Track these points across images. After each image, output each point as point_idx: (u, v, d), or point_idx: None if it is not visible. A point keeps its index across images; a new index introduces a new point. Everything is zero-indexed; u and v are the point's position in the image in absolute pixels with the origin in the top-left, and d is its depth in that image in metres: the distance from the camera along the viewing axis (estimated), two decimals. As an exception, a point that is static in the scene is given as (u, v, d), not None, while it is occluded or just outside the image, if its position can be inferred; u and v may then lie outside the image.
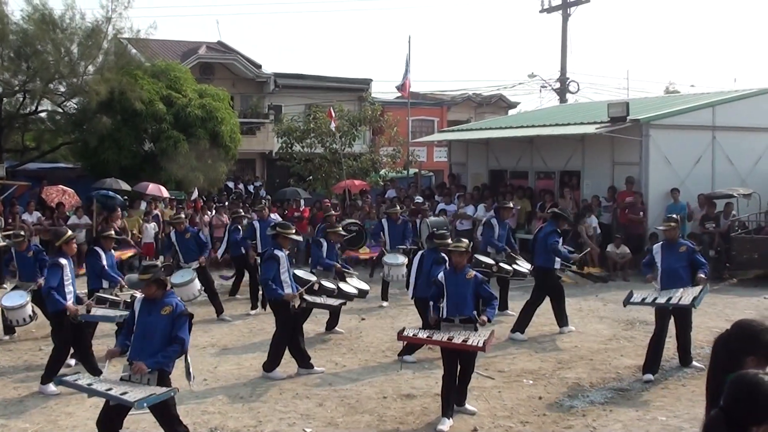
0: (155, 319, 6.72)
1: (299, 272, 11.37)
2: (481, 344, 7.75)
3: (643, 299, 9.56)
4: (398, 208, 15.89)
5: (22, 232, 12.33)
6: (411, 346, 10.06)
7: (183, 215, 15.62)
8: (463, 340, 7.82)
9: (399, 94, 34.71)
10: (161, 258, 17.68)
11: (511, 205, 15.08)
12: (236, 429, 7.75)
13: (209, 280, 13.58)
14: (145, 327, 6.75)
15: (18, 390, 9.13)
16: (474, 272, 8.37)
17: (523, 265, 13.35)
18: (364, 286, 12.34)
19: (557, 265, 11.84)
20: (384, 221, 15.08)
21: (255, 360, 10.30)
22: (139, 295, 7.16)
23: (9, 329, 11.81)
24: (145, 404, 6.10)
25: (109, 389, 6.31)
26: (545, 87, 33.94)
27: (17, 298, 10.92)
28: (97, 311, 9.59)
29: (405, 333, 8.17)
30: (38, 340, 11.64)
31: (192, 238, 13.53)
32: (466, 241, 8.63)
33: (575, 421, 7.91)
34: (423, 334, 8.11)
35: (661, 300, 9.39)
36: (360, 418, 8.04)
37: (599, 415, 8.06)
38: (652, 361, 9.47)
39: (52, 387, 8.88)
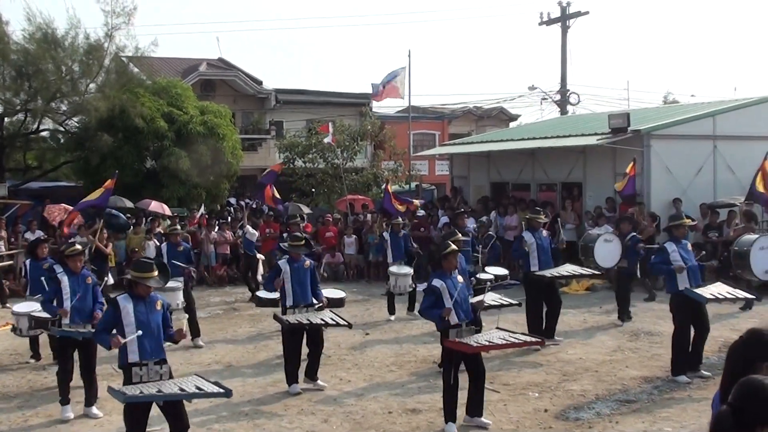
0: (155, 316, 6.94)
1: (328, 291, 11.39)
2: (534, 339, 8.61)
3: (714, 296, 9.75)
4: (400, 220, 15.95)
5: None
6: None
7: (179, 227, 15.47)
8: (488, 341, 8.10)
9: (400, 108, 34.83)
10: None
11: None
12: (241, 446, 7.72)
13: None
14: (148, 326, 6.84)
15: (22, 410, 9.11)
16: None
17: (491, 272, 13.54)
18: (340, 294, 12.31)
19: (534, 268, 11.93)
20: (386, 234, 15.18)
21: (259, 376, 10.28)
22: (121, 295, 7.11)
23: (36, 354, 11.74)
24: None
25: (181, 390, 6.65)
26: (546, 99, 34.02)
27: (31, 305, 10.87)
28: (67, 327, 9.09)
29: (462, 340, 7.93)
30: (41, 360, 11.60)
31: (183, 251, 13.47)
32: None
33: (581, 433, 7.88)
34: (479, 341, 8.05)
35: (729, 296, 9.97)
36: (365, 434, 8.01)
37: (605, 427, 8.03)
38: (684, 361, 9.68)
39: (67, 412, 8.77)
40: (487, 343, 8.06)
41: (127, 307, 6.87)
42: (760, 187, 14.16)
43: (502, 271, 13.98)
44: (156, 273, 6.99)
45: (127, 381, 6.77)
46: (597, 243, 13.39)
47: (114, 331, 6.87)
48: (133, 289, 6.99)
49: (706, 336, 10.01)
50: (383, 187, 17.96)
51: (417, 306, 14.51)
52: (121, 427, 7.93)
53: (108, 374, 10.10)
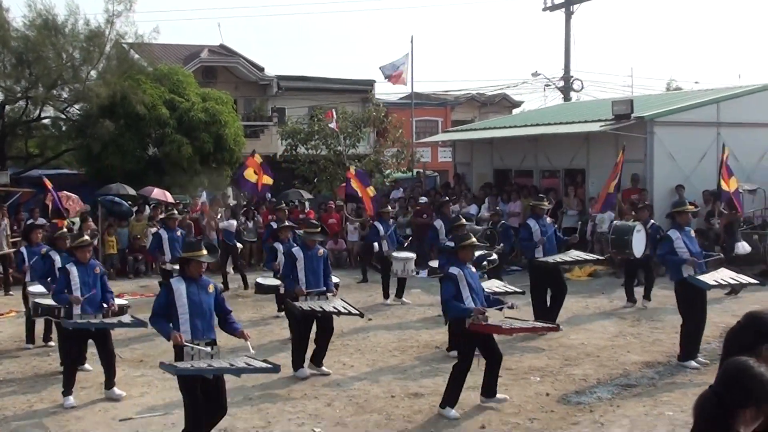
0: (207, 298, 7.12)
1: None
2: (550, 325, 9.02)
3: (717, 282, 9.73)
4: (389, 208, 16.21)
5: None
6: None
7: (176, 212, 15.57)
8: (511, 325, 8.23)
9: (403, 95, 34.78)
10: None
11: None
12: (245, 429, 7.77)
13: None
14: (200, 307, 7.04)
15: (27, 395, 9.15)
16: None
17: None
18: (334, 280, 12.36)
19: (537, 255, 11.95)
20: (377, 223, 15.23)
21: (262, 361, 10.30)
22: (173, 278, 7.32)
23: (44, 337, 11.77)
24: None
25: (231, 365, 6.88)
26: (549, 85, 33.95)
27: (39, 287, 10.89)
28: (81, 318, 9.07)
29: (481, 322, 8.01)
30: (46, 346, 11.65)
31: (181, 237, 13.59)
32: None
33: (582, 417, 7.91)
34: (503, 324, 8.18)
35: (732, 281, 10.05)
36: (368, 418, 8.05)
37: (606, 411, 8.06)
38: (694, 347, 9.69)
39: (69, 400, 8.76)
40: (511, 326, 8.20)
41: (180, 288, 7.03)
42: (724, 184, 14.24)
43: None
44: (205, 251, 7.16)
45: (178, 360, 6.92)
46: (634, 235, 13.33)
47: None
48: (185, 270, 7.13)
49: (703, 326, 9.94)
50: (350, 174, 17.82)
51: (405, 293, 14.68)
52: (141, 411, 8.07)
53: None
